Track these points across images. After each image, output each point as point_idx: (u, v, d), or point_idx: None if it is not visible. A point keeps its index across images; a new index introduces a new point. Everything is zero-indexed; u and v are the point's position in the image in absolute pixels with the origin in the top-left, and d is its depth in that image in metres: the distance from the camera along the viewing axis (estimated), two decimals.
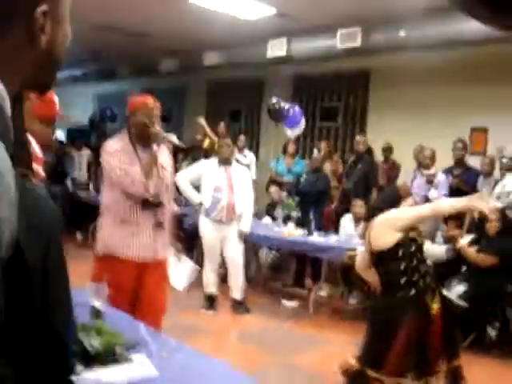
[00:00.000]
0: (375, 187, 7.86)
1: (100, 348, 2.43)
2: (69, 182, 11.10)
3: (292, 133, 8.38)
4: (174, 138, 4.11)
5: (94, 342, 2.44)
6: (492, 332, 5.49)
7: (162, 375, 2.33)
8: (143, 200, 3.70)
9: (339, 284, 7.37)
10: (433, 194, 7.02)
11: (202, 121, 9.04)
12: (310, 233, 6.80)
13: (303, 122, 8.38)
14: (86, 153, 11.71)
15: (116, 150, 3.76)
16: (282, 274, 8.20)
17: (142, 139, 3.76)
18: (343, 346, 5.55)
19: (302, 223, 7.07)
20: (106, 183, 3.86)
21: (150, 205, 3.73)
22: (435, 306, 3.54)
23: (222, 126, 9.59)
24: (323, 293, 7.33)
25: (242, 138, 9.52)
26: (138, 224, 3.73)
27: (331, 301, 7.31)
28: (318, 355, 5.33)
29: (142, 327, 2.90)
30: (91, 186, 10.58)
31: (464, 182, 7.20)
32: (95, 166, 11.29)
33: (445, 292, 5.41)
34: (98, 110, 15.06)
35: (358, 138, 8.24)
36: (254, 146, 11.09)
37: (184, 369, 2.42)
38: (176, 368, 2.42)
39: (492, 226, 5.60)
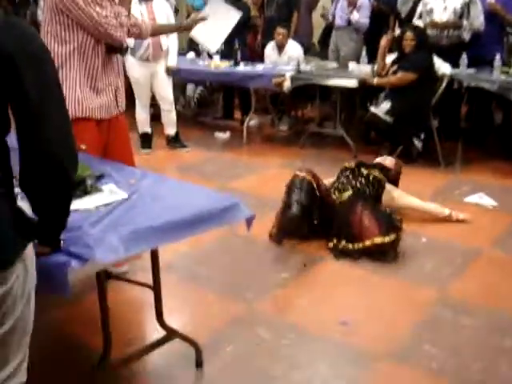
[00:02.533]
0: (297, 11, 7.82)
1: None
2: None
3: None
4: None
5: None
6: (418, 144, 5.84)
7: (133, 199, 2.45)
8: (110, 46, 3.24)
9: (269, 112, 7.56)
10: (355, 16, 7.10)
11: None
12: (236, 63, 6.82)
13: None
14: None
15: None
16: (210, 108, 8.30)
17: None
18: (278, 169, 5.86)
19: (226, 55, 7.04)
20: (66, 22, 3.11)
21: (115, 51, 3.31)
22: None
23: None
24: (254, 122, 7.52)
25: None
26: (106, 75, 3.31)
27: (262, 129, 7.54)
28: (255, 179, 5.58)
29: (103, 161, 3.01)
30: None
31: (384, 4, 7.28)
32: None
33: (373, 109, 5.70)
34: None
35: None
36: None
37: (152, 190, 2.55)
38: (145, 190, 2.55)
39: (407, 44, 5.77)
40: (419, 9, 6.42)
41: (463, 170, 5.80)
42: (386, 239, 3.86)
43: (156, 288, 2.59)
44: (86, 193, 2.54)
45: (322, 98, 6.73)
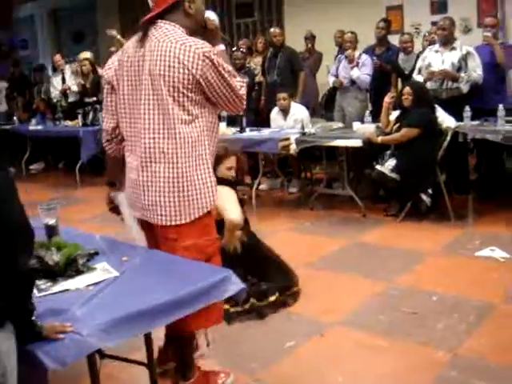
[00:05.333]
0: (301, 71, 7.90)
1: (62, 261, 2.52)
2: None
3: None
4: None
5: (55, 257, 2.53)
6: (427, 199, 5.79)
7: (124, 277, 2.44)
8: None
9: (277, 176, 7.58)
10: (355, 73, 7.17)
11: (113, 32, 8.79)
12: (242, 129, 6.89)
13: None
14: (1, 85, 11.33)
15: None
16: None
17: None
18: (288, 232, 5.82)
19: (232, 122, 7.12)
20: (200, 102, 2.69)
21: None
22: None
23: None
24: (263, 186, 7.54)
25: None
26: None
27: (272, 193, 7.54)
28: (268, 244, 5.52)
29: (97, 237, 3.00)
30: (15, 118, 10.30)
31: (386, 61, 7.37)
32: (15, 95, 11.05)
33: (379, 167, 5.68)
34: None
35: (272, 29, 8.19)
36: None
37: (145, 267, 2.54)
38: (137, 268, 2.54)
39: (405, 99, 5.80)
40: (418, 64, 6.49)
41: (475, 223, 5.73)
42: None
43: (151, 366, 2.54)
44: (78, 272, 2.54)
45: (329, 159, 6.73)
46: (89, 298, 2.23)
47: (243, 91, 2.77)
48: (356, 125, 6.48)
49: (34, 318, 1.91)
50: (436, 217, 5.76)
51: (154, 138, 2.68)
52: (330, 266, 4.82)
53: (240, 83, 2.75)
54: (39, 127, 9.48)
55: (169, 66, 2.60)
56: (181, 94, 2.62)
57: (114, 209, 3.11)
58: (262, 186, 7.47)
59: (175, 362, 3.04)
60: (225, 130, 6.98)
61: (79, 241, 2.81)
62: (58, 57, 10.08)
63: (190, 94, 2.64)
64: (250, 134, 6.79)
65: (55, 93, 9.93)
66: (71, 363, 1.90)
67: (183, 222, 2.73)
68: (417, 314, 3.83)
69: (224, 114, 7.05)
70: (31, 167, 10.23)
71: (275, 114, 7.31)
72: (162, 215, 2.73)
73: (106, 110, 2.93)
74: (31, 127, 9.49)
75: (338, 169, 6.50)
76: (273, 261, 4.31)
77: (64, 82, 9.75)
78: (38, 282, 2.45)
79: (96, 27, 13.12)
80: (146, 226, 2.90)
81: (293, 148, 6.25)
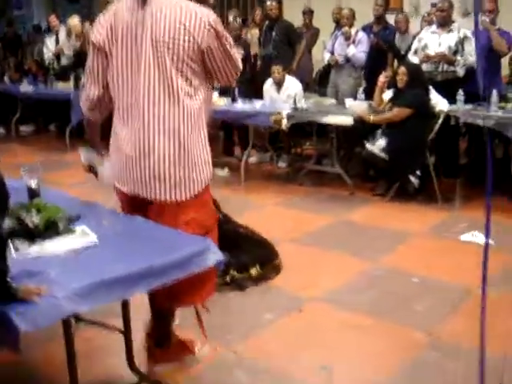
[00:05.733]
0: (299, 42, 7.84)
1: (41, 223, 2.50)
2: None
3: None
4: None
5: (34, 219, 2.50)
6: (415, 180, 5.77)
7: (103, 242, 2.41)
8: None
9: (267, 150, 7.54)
10: (351, 50, 7.12)
11: None
12: (234, 100, 6.83)
13: None
14: None
15: None
16: (210, 145, 8.26)
17: None
18: (275, 206, 5.82)
19: (224, 92, 7.06)
20: (200, 73, 2.63)
21: None
22: None
23: None
24: (253, 159, 7.50)
25: None
26: None
27: (261, 166, 7.51)
28: (252, 217, 5.50)
29: (80, 201, 2.97)
30: (6, 78, 10.19)
31: (383, 40, 7.31)
32: (7, 55, 10.93)
33: (369, 146, 5.66)
34: None
35: (269, 2, 8.08)
36: None
37: (125, 233, 2.51)
38: (117, 233, 2.51)
39: (399, 80, 5.77)
40: (414, 45, 6.44)
41: (461, 207, 5.71)
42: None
43: (127, 332, 2.53)
44: (57, 235, 2.51)
45: (320, 135, 6.70)
46: (66, 262, 2.22)
47: (240, 63, 2.73)
48: (348, 102, 6.44)
49: (8, 279, 1.89)
50: (423, 199, 5.76)
51: (155, 111, 2.57)
52: (316, 243, 4.82)
53: (239, 55, 2.72)
54: (30, 89, 9.34)
55: (174, 34, 2.51)
56: (185, 65, 2.54)
57: (90, 169, 3.01)
58: (251, 159, 7.43)
59: (153, 328, 3.04)
60: (217, 100, 6.93)
61: (63, 204, 2.77)
62: (53, 17, 9.91)
63: (192, 65, 2.57)
64: (242, 106, 6.72)
65: (48, 54, 9.78)
66: (44, 326, 1.88)
67: (184, 198, 2.68)
68: (398, 295, 3.84)
69: (216, 84, 6.92)
70: (21, 128, 10.13)
71: (269, 86, 7.25)
72: (163, 191, 2.65)
73: (91, 76, 2.74)
74: (22, 89, 9.35)
75: (329, 146, 6.47)
76: (249, 237, 4.28)
77: (58, 43, 9.61)
78: (17, 244, 2.43)
79: None
80: (136, 202, 2.76)
81: (284, 123, 6.20)
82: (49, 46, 9.79)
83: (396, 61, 7.23)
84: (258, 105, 6.72)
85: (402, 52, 7.08)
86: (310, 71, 8.56)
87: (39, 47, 10.28)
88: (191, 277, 2.60)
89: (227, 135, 7.98)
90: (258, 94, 7.30)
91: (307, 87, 7.76)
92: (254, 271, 4.05)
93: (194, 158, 2.66)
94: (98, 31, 2.68)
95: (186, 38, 2.50)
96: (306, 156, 7.49)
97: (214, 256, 2.37)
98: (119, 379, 2.87)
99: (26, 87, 9.39)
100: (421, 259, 4.40)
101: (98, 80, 2.72)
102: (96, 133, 2.94)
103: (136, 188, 2.70)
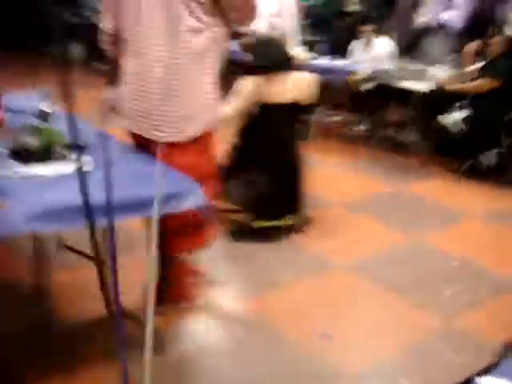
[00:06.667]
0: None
1: (38, 146, 2.48)
2: None
3: None
4: None
5: (33, 141, 2.48)
6: (490, 159, 5.39)
7: (96, 172, 2.36)
8: None
9: (347, 110, 7.28)
10: (445, 16, 6.72)
11: None
12: (316, 56, 6.60)
13: None
14: None
15: None
16: None
17: None
18: (336, 168, 5.62)
19: (311, 46, 6.83)
20: (210, 10, 2.49)
21: None
22: None
23: None
24: (330, 119, 7.29)
25: None
26: None
27: (336, 126, 7.27)
28: (314, 175, 5.32)
29: (92, 130, 2.92)
30: None
31: (483, 9, 6.80)
32: None
33: (445, 118, 5.32)
34: None
35: None
36: None
37: (119, 166, 2.44)
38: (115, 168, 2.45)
39: (493, 50, 5.36)
40: None
41: None
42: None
43: (97, 259, 2.48)
44: (52, 160, 2.49)
45: (400, 101, 6.37)
46: (43, 185, 2.18)
47: (255, 1, 2.56)
48: (434, 69, 6.06)
49: None
50: (495, 180, 5.35)
51: (158, 45, 2.47)
52: (366, 210, 4.62)
53: None
54: None
55: None
56: None
57: (110, 108, 2.95)
58: (328, 118, 7.21)
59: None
60: (301, 53, 6.72)
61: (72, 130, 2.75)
62: None
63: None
64: (321, 61, 6.47)
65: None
66: None
67: (181, 139, 2.58)
68: (430, 276, 3.61)
69: (300, 37, 6.75)
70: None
71: (357, 44, 6.95)
72: (158, 131, 2.56)
73: (105, 9, 2.68)
74: None
75: (407, 113, 6.15)
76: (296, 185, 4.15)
77: None
78: (11, 163, 2.43)
79: None
80: (140, 140, 2.69)
81: (361, 83, 5.95)
82: None
83: (492, 30, 6.72)
84: (339, 62, 6.45)
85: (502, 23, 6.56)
86: (404, 34, 8.14)
87: None
88: (179, 224, 2.54)
89: None
90: (345, 52, 7.02)
91: (400, 50, 7.39)
92: (283, 221, 3.96)
93: (195, 98, 2.53)
94: None
95: None
96: (384, 121, 7.16)
97: (194, 199, 2.26)
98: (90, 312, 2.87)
99: None
100: (468, 243, 4.12)
101: (113, 12, 2.62)
102: (114, 69, 2.86)
103: (134, 125, 2.63)
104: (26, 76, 7.46)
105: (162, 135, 2.55)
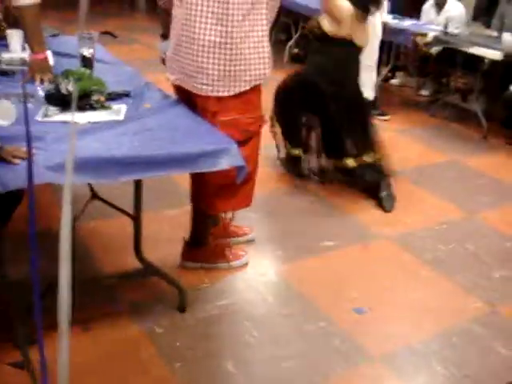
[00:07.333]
0: None
1: (75, 92, 2.39)
2: None
3: None
4: None
5: (69, 87, 2.41)
6: None
7: (128, 123, 2.28)
8: None
9: (413, 73, 6.99)
10: None
11: None
12: (387, 13, 6.27)
13: None
14: None
15: None
16: None
17: None
18: (394, 132, 5.39)
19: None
20: None
21: None
22: None
23: None
24: (395, 81, 7.03)
25: None
26: None
27: (401, 90, 7.00)
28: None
29: (138, 79, 2.84)
30: None
31: None
32: None
33: None
34: None
35: None
36: None
37: (157, 120, 2.36)
38: (150, 118, 2.36)
39: None
40: None
41: None
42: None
43: (137, 218, 2.41)
44: (89, 107, 2.41)
45: (469, 68, 6.06)
46: (77, 133, 2.10)
47: None
48: (507, 36, 5.71)
49: None
50: None
51: None
52: (417, 180, 4.41)
53: None
54: None
55: None
56: None
57: (161, 59, 2.87)
58: (393, 81, 6.96)
59: (191, 228, 2.94)
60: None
61: (118, 79, 2.68)
62: None
63: None
64: (387, 20, 6.16)
65: None
66: (13, 188, 1.80)
67: (226, 94, 2.47)
68: (479, 255, 3.43)
69: None
70: None
71: (429, 5, 6.61)
72: (203, 84, 2.46)
73: None
74: None
75: (474, 81, 5.84)
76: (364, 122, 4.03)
77: None
78: (48, 109, 2.37)
79: None
80: (183, 92, 2.60)
81: (428, 45, 5.67)
82: None
83: None
84: (407, 23, 6.15)
85: None
86: None
87: None
88: (222, 183, 2.47)
89: None
90: (418, 13, 6.70)
91: (475, 15, 7.02)
92: (349, 162, 3.86)
93: (242, 52, 2.40)
94: None
95: None
96: (451, 88, 6.86)
97: (231, 160, 2.16)
98: (124, 265, 2.81)
99: None
100: None
101: None
102: (167, 18, 2.74)
103: (179, 78, 2.53)
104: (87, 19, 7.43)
105: (205, 88, 2.45)
